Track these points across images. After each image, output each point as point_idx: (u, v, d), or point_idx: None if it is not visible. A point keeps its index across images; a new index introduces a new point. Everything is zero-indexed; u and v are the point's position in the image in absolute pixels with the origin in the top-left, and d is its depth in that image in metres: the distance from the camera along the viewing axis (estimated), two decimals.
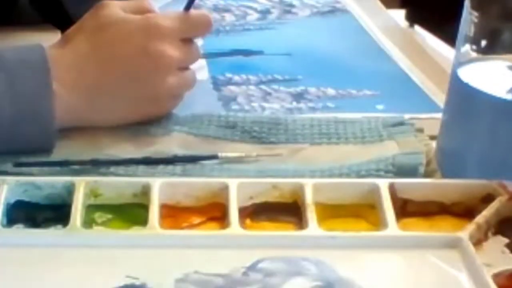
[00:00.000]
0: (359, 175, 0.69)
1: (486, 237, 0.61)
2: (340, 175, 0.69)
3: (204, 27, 0.79)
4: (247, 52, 0.96)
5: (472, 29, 0.66)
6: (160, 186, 0.63)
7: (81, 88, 0.73)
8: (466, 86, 0.66)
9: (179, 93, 0.78)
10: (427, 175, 0.70)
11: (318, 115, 0.81)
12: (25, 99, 0.70)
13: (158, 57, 0.74)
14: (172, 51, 0.75)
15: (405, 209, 0.64)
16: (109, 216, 0.63)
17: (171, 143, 0.75)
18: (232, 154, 0.73)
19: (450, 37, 0.75)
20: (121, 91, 0.75)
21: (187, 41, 0.78)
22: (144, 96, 0.75)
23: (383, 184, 0.64)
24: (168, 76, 0.75)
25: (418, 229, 0.62)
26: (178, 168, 0.70)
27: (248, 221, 0.63)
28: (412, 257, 0.60)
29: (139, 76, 0.75)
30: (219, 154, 0.72)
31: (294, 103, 0.85)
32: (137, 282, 0.56)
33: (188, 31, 0.78)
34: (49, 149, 0.71)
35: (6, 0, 0.95)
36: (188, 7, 0.77)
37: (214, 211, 0.63)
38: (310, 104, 0.84)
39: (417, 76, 0.91)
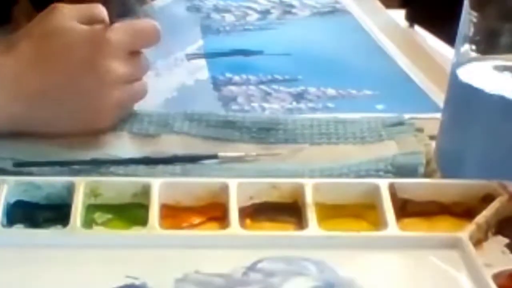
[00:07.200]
0: (359, 175, 0.69)
1: (486, 237, 0.61)
2: (340, 175, 0.69)
3: (151, 38, 0.77)
4: (247, 52, 0.96)
5: (471, 29, 0.66)
6: (160, 186, 0.63)
7: (23, 96, 0.72)
8: (465, 86, 0.67)
9: (126, 106, 0.77)
10: (427, 175, 0.70)
11: (318, 115, 0.81)
12: None
13: (103, 72, 0.73)
14: (118, 66, 0.74)
15: (405, 209, 0.64)
16: (109, 216, 0.63)
17: (171, 143, 0.75)
18: (232, 154, 0.73)
19: (449, 37, 0.75)
20: (64, 102, 0.73)
21: (135, 53, 0.76)
22: (88, 109, 0.74)
23: (383, 184, 0.64)
24: (114, 91, 0.74)
25: (418, 229, 0.62)
26: (178, 168, 0.70)
27: (248, 221, 0.63)
28: (412, 257, 0.60)
29: (84, 89, 0.73)
30: (219, 154, 0.72)
31: (294, 103, 0.84)
32: (137, 282, 0.56)
33: (136, 44, 0.76)
34: None
35: (6, 0, 0.95)
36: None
37: (214, 211, 0.63)
38: (310, 104, 0.84)
39: (417, 76, 0.91)
